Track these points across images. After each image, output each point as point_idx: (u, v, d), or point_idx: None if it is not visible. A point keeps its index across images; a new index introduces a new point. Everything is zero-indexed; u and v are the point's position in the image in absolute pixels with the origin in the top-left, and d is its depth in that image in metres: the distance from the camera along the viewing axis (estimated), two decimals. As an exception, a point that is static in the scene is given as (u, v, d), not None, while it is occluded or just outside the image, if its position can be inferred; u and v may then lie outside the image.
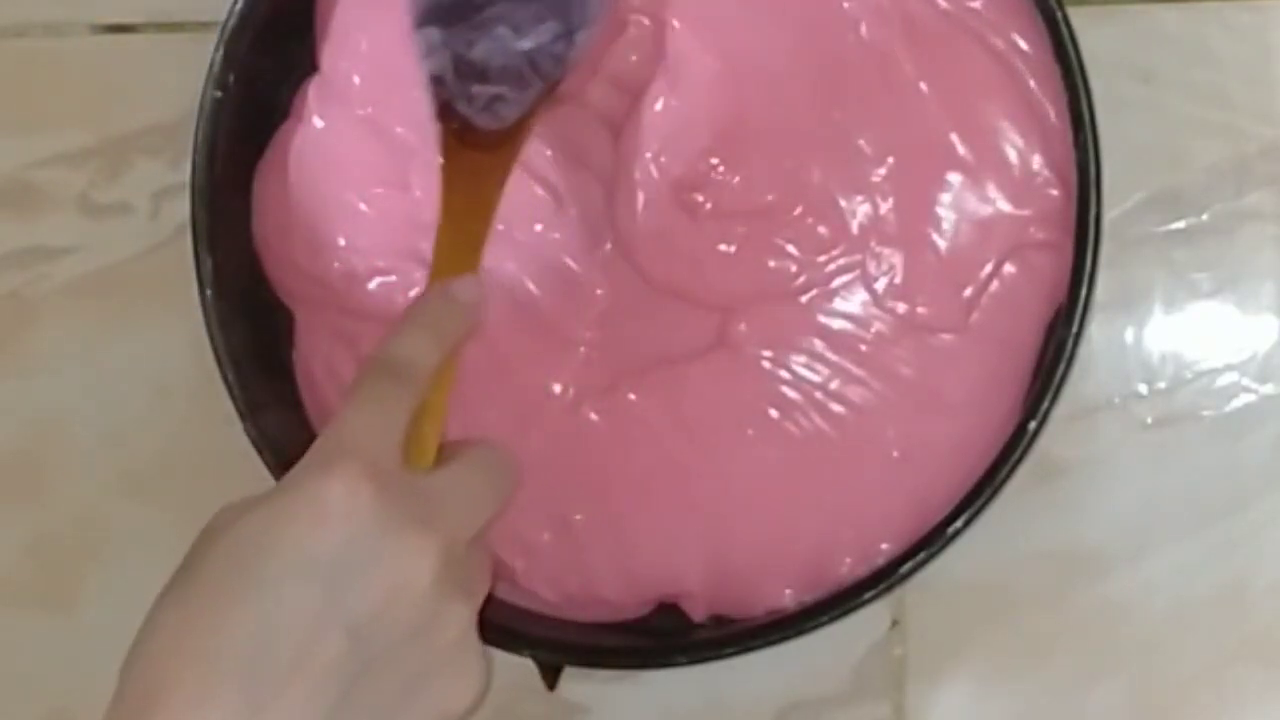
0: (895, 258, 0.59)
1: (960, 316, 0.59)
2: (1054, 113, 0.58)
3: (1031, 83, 0.58)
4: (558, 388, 0.61)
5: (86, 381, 0.68)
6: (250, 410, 0.60)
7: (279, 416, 0.61)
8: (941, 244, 0.59)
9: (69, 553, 0.68)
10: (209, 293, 0.60)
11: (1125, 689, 0.64)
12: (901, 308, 0.59)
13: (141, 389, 0.68)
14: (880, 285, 0.59)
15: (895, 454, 0.59)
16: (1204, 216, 0.63)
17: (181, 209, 0.61)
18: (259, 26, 0.61)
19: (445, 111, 0.57)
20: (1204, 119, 0.63)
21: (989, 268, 0.58)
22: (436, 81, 0.57)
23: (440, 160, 0.56)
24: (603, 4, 0.57)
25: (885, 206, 0.59)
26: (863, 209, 0.59)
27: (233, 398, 0.60)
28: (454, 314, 0.52)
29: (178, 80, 0.64)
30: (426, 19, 0.57)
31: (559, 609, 0.61)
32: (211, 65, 0.60)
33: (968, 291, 0.59)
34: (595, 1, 0.57)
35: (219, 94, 0.60)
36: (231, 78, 0.60)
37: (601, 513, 0.60)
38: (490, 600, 0.60)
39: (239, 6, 0.60)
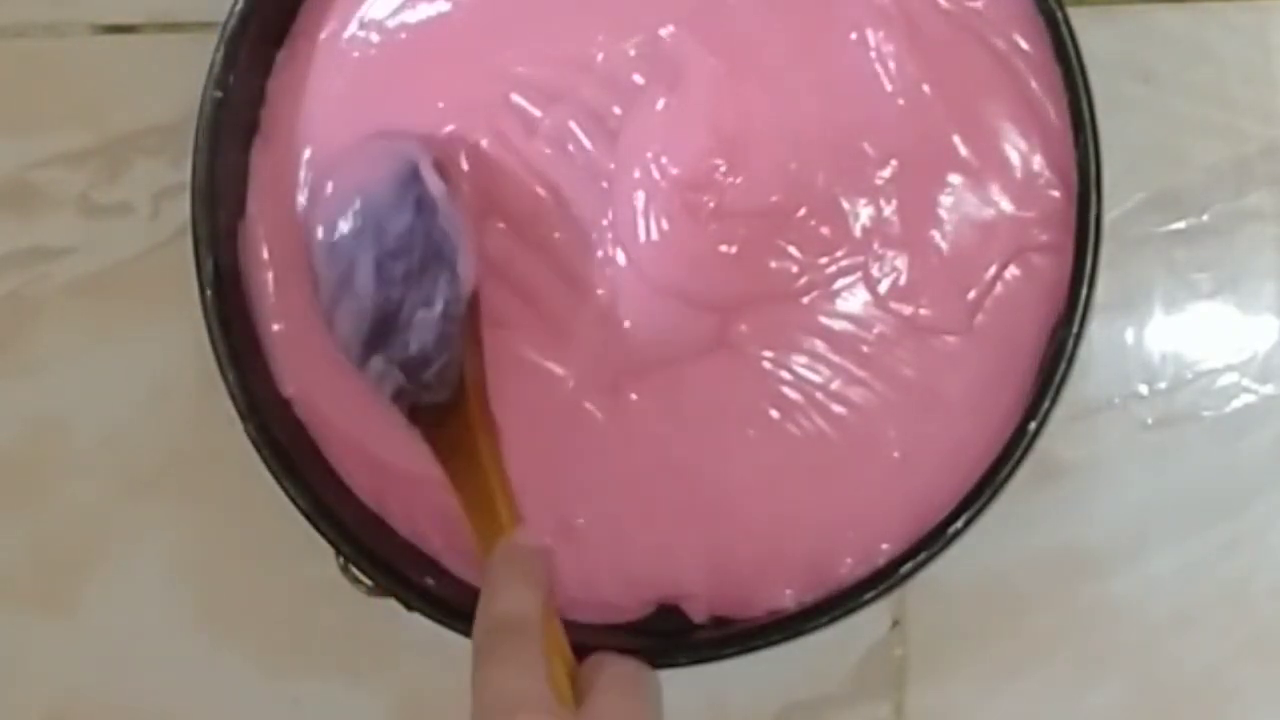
0: (899, 260, 0.59)
1: (964, 319, 0.59)
2: (1055, 113, 0.58)
3: (1032, 83, 0.58)
4: (558, 390, 0.61)
5: (86, 381, 0.68)
6: (250, 410, 0.60)
7: (279, 417, 0.61)
8: (945, 246, 0.59)
9: (69, 553, 0.68)
10: (209, 293, 0.60)
11: (1125, 689, 0.64)
12: (906, 310, 0.59)
13: (141, 389, 0.68)
14: (883, 287, 0.59)
15: (896, 455, 0.59)
16: (1204, 217, 0.63)
17: (181, 209, 0.61)
18: (259, 26, 0.61)
19: (414, 415, 0.59)
20: (1204, 119, 0.63)
21: (992, 270, 0.58)
22: (398, 395, 0.59)
23: (436, 458, 0.59)
24: (460, 228, 0.59)
25: (888, 208, 0.59)
26: (866, 211, 0.59)
27: (233, 398, 0.60)
28: (533, 561, 0.56)
29: (178, 80, 0.64)
30: (367, 354, 0.59)
31: (560, 611, 0.60)
32: (212, 65, 0.60)
33: (972, 294, 0.59)
34: (456, 221, 0.59)
35: (219, 94, 0.60)
36: (231, 78, 0.60)
37: (602, 515, 0.60)
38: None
39: (239, 6, 0.60)
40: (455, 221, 0.59)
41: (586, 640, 0.59)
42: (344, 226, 0.59)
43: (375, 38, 0.62)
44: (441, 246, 0.59)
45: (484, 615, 0.54)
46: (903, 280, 0.59)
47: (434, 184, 0.59)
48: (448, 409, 0.59)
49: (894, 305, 0.59)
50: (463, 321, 0.59)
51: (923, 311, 0.59)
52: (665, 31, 0.60)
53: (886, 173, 0.59)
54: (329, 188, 0.60)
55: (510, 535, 0.57)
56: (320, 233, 0.60)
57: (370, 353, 0.59)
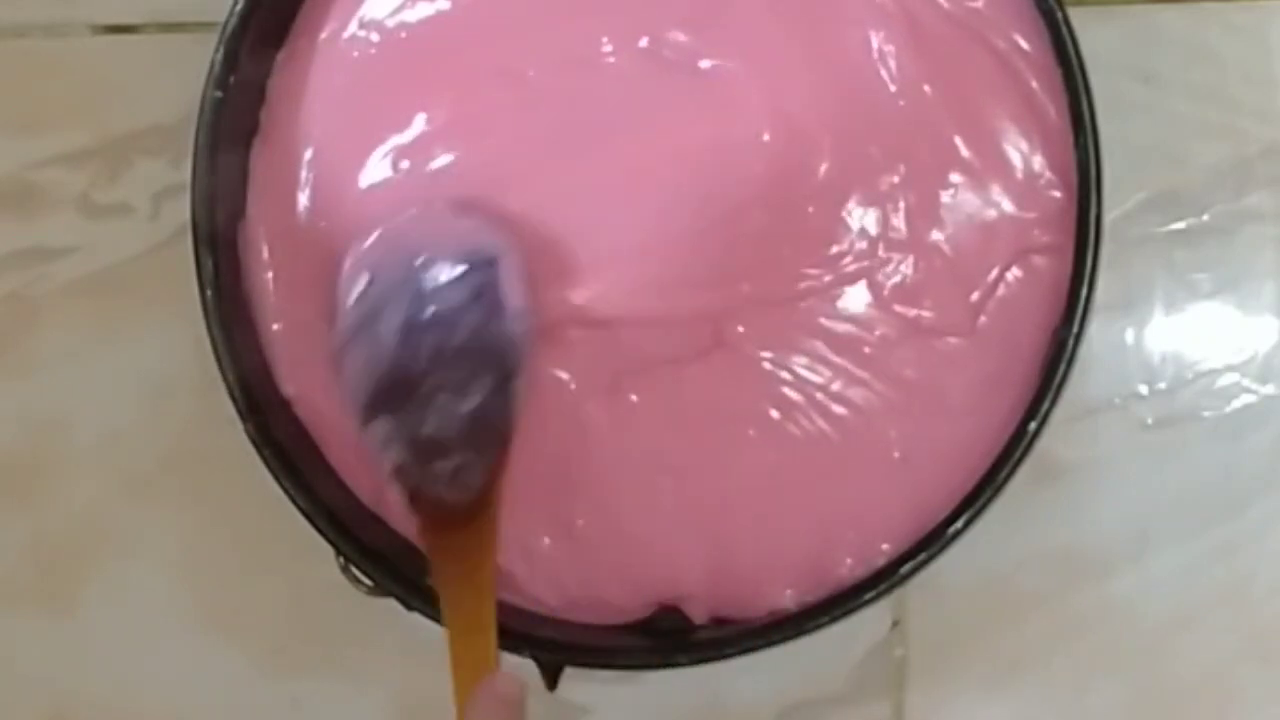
0: (904, 262, 0.59)
1: (968, 320, 0.59)
2: (1055, 113, 0.58)
3: (1033, 83, 0.58)
4: (559, 391, 0.61)
5: (87, 381, 0.68)
6: (250, 410, 0.60)
7: (279, 417, 0.61)
8: (948, 248, 0.59)
9: (69, 553, 0.68)
10: (209, 293, 0.60)
11: (1125, 689, 0.64)
12: (910, 312, 0.59)
13: (141, 389, 0.68)
14: (887, 289, 0.59)
15: (896, 455, 0.59)
16: (1204, 217, 0.63)
17: (181, 209, 0.61)
18: (259, 26, 0.61)
19: (415, 498, 0.56)
20: (1204, 119, 0.63)
21: (995, 271, 0.58)
22: (399, 472, 0.56)
23: (430, 559, 0.56)
24: (528, 346, 0.57)
25: (893, 210, 0.59)
26: (871, 213, 0.59)
27: (233, 398, 0.60)
28: (511, 713, 0.52)
29: (178, 80, 0.64)
30: (373, 412, 0.56)
31: (560, 612, 0.61)
32: (212, 65, 0.60)
33: (975, 295, 0.59)
34: (521, 345, 0.56)
35: (219, 94, 0.60)
36: (232, 78, 0.60)
37: (603, 517, 0.60)
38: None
39: (239, 7, 0.60)
40: (524, 338, 0.56)
41: (586, 640, 0.60)
42: (386, 274, 0.56)
43: (375, 37, 0.62)
44: (499, 352, 0.56)
45: None
46: (907, 282, 0.59)
47: (515, 293, 0.56)
48: (457, 514, 0.56)
49: (898, 308, 0.59)
50: (501, 434, 0.56)
51: (926, 313, 0.59)
52: (670, 37, 0.60)
53: (891, 174, 0.59)
54: (386, 233, 0.58)
55: (492, 680, 0.53)
56: (361, 268, 0.57)
57: (376, 412, 0.56)
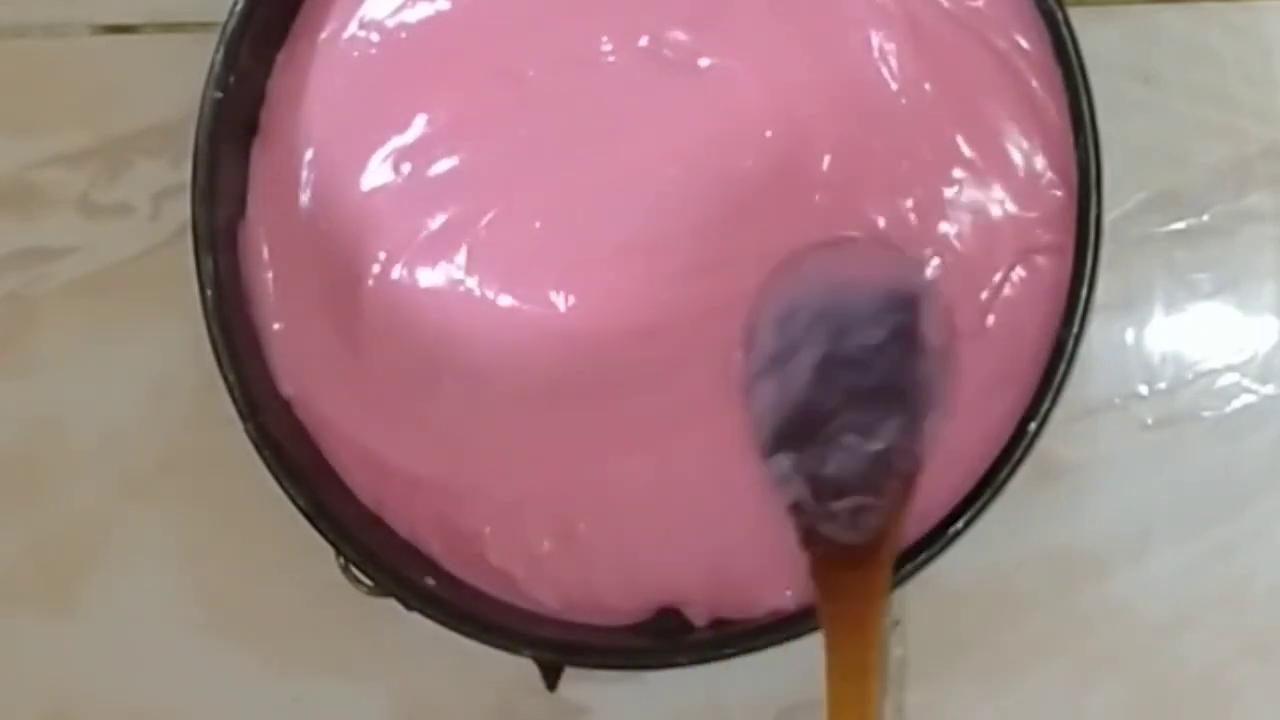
0: None
1: (977, 320, 0.58)
2: (1055, 113, 0.58)
3: (1033, 83, 0.58)
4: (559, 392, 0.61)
5: (86, 381, 0.68)
6: (250, 410, 0.60)
7: (279, 417, 0.61)
8: (957, 246, 0.59)
9: (69, 553, 0.68)
10: (209, 293, 0.60)
11: (1125, 689, 0.64)
12: None
13: (141, 389, 0.68)
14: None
15: None
16: (1205, 217, 0.63)
17: (181, 209, 0.61)
18: (259, 27, 0.61)
19: (809, 539, 0.55)
20: (1204, 119, 0.63)
21: (1002, 271, 0.58)
22: (796, 509, 0.55)
23: (817, 597, 0.54)
24: (943, 388, 0.55)
25: (901, 209, 0.59)
26: (875, 214, 0.59)
27: (233, 398, 0.60)
28: None
29: (178, 80, 0.64)
30: (776, 446, 0.55)
31: (560, 614, 0.61)
32: (212, 65, 0.60)
33: (984, 294, 0.59)
34: (939, 383, 0.55)
35: (219, 94, 0.60)
36: (232, 78, 0.60)
37: (603, 520, 0.60)
38: (491, 601, 0.61)
39: (239, 7, 0.60)
40: (941, 380, 0.55)
41: (586, 640, 0.60)
42: (807, 305, 0.56)
43: (375, 38, 0.62)
44: (913, 391, 0.55)
45: None
46: None
47: (935, 332, 0.56)
48: (852, 556, 0.55)
49: None
50: (906, 478, 0.55)
51: None
52: (671, 36, 0.60)
53: (894, 170, 0.59)
54: (811, 261, 0.56)
55: None
56: (781, 302, 0.56)
57: (780, 447, 0.55)
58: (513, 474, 0.60)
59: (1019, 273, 0.59)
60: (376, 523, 0.62)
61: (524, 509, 0.60)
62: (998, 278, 0.58)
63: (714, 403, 0.59)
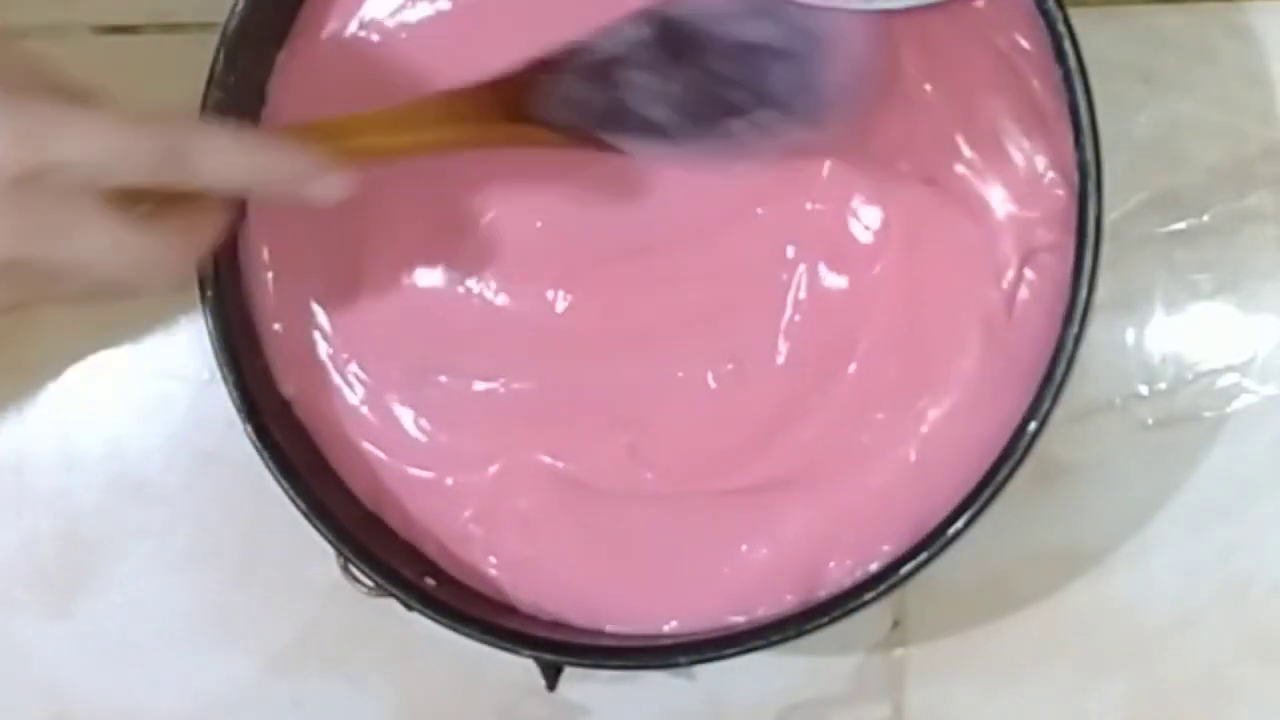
0: None
1: (1001, 316, 0.58)
2: (1055, 113, 0.58)
3: (1034, 83, 0.58)
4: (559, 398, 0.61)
5: (86, 382, 0.68)
6: (250, 410, 0.60)
7: (279, 417, 0.61)
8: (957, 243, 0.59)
9: (69, 553, 0.68)
10: (209, 293, 0.60)
11: (1125, 689, 0.64)
12: None
13: (142, 389, 0.68)
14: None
15: (912, 458, 0.59)
16: (1205, 217, 0.63)
17: (182, 209, 0.61)
18: (259, 27, 0.61)
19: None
20: (1204, 119, 0.63)
21: (1013, 272, 0.58)
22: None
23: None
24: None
25: (903, 209, 0.59)
26: (877, 213, 0.59)
27: (233, 398, 0.60)
28: (301, 179, 0.53)
29: (178, 80, 0.64)
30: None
31: (557, 615, 0.61)
32: (212, 66, 0.60)
33: (994, 295, 0.58)
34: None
35: (219, 94, 0.60)
36: (231, 78, 0.60)
37: (605, 524, 0.60)
38: (491, 602, 0.61)
39: (240, 8, 0.60)
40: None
41: (586, 640, 0.60)
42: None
43: (375, 38, 0.62)
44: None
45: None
46: None
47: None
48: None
49: None
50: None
51: None
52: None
53: (895, 175, 0.59)
54: None
55: (340, 160, 0.53)
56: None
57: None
58: (511, 475, 0.60)
59: (1029, 274, 0.58)
60: (376, 523, 0.62)
61: (523, 509, 0.60)
62: (1009, 279, 0.58)
63: (710, 408, 0.60)
